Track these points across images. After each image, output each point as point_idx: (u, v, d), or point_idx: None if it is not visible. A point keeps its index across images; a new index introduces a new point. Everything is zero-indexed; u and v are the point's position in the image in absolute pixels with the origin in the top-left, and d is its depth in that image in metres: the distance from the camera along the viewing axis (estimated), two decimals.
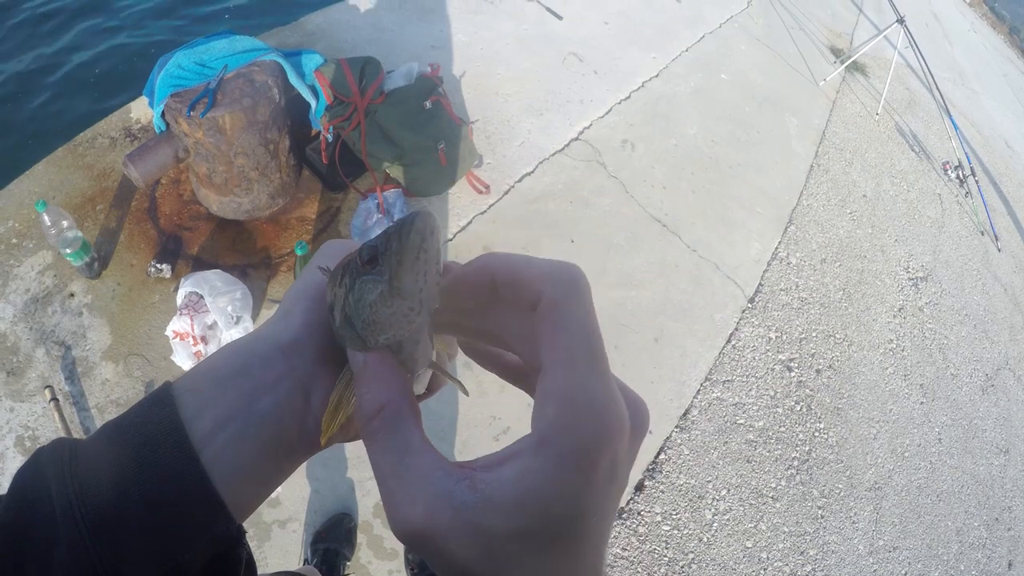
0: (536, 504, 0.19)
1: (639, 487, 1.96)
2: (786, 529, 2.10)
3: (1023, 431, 3.07)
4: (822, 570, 2.09)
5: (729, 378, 2.30)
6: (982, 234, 3.95)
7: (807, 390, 2.46)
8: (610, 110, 2.89)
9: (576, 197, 2.48)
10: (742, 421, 2.24)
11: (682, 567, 1.88)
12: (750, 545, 2.01)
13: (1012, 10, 9.02)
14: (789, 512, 2.14)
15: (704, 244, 2.61)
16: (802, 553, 2.08)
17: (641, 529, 1.89)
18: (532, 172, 2.48)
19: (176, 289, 1.66)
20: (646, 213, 2.59)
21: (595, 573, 0.21)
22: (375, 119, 2.00)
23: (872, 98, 4.22)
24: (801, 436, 2.33)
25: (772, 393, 2.37)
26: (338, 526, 1.54)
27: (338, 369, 0.27)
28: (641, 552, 1.86)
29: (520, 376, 0.28)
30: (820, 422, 2.40)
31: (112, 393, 1.60)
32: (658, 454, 2.03)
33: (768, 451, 2.22)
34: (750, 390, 2.32)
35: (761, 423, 2.27)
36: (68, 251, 1.58)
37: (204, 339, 1.60)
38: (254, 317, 1.76)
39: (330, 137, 2.02)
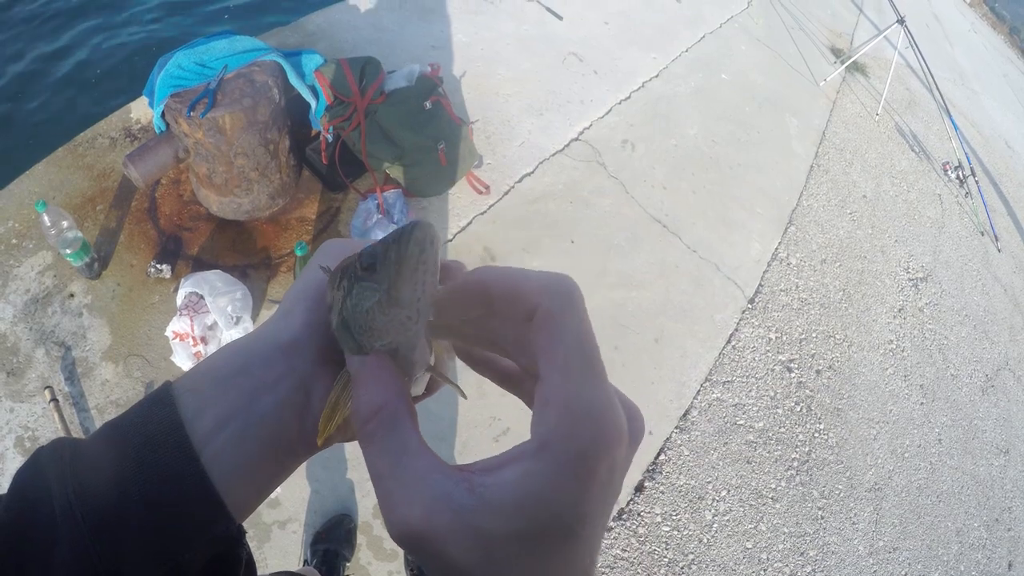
0: (536, 507, 0.19)
1: (639, 488, 1.95)
2: (786, 530, 2.10)
3: (1023, 432, 3.06)
4: (822, 571, 2.09)
5: (729, 379, 2.30)
6: (982, 234, 3.95)
7: (807, 391, 2.46)
8: (610, 110, 2.89)
9: (576, 197, 2.48)
10: (742, 422, 2.24)
11: (682, 568, 1.88)
12: (750, 546, 2.01)
13: (1012, 10, 9.03)
14: (789, 513, 2.14)
15: (704, 245, 2.61)
16: (802, 554, 2.08)
17: (641, 530, 1.89)
18: (532, 172, 2.48)
19: (176, 289, 1.66)
20: (646, 213, 2.59)
21: None
22: (375, 119, 2.00)
23: (872, 98, 4.22)
24: (801, 437, 2.33)
25: (772, 394, 2.37)
26: (338, 527, 1.54)
27: (339, 369, 0.27)
28: (641, 553, 1.85)
29: (516, 382, 0.28)
30: (820, 423, 2.40)
31: (112, 394, 1.60)
32: (658, 455, 2.03)
33: (768, 452, 2.22)
34: (750, 391, 2.32)
35: (761, 424, 2.27)
36: (68, 251, 1.58)
37: (204, 339, 1.60)
38: (254, 317, 1.76)
39: (330, 137, 2.02)
